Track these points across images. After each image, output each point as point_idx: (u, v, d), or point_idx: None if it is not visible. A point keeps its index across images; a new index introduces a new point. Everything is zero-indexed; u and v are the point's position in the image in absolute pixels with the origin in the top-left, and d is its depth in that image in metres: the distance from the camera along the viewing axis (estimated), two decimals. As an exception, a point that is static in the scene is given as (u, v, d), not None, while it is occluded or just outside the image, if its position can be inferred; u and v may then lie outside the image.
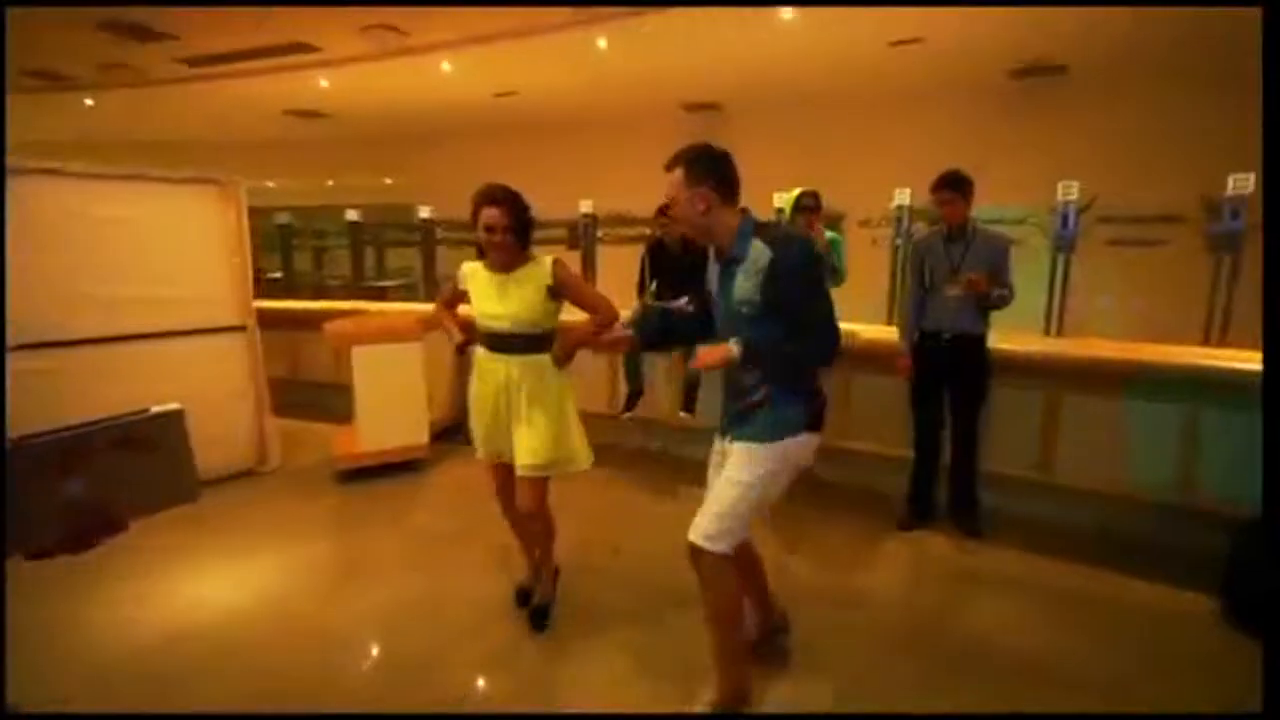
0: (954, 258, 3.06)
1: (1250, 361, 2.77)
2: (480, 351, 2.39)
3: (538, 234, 2.38)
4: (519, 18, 4.93)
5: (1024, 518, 3.29)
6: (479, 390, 2.40)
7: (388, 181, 10.88)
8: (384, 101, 7.49)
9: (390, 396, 4.09)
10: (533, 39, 5.40)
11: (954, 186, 3.02)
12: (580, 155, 9.02)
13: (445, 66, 6.04)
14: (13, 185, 3.39)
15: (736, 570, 1.95)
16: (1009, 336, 3.31)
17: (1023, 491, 3.35)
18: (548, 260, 2.34)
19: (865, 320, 3.98)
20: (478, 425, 2.44)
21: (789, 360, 1.79)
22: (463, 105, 7.57)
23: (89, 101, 7.50)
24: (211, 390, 3.98)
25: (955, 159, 3.28)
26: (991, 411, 3.21)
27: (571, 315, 2.38)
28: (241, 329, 4.18)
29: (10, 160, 3.32)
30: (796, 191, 3.56)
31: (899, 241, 5.15)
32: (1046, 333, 4.28)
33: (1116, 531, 3.13)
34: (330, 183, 11.42)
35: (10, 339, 3.31)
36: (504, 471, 2.45)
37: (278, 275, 8.49)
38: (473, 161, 9.98)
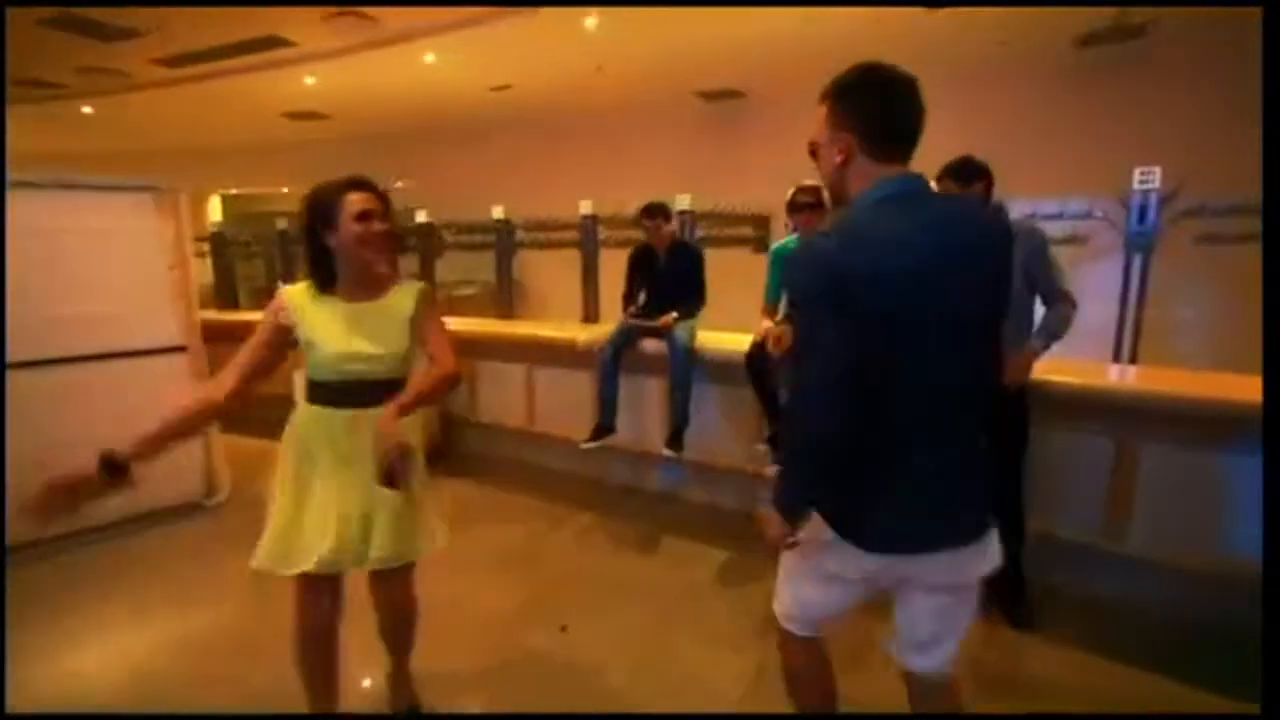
0: None
1: None
2: (310, 411, 1.73)
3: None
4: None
5: (1086, 599, 2.57)
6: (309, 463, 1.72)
7: (399, 185, 10.59)
8: (377, 99, 7.12)
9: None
10: (518, 19, 4.87)
11: (958, 176, 2.39)
12: (584, 152, 8.48)
13: (429, 58, 5.57)
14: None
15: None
16: (1063, 365, 2.58)
17: (1087, 564, 2.62)
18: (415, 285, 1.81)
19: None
20: (297, 518, 1.70)
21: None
22: (457, 101, 7.13)
23: (87, 109, 7.35)
24: (150, 417, 3.60)
25: (1011, 144, 2.61)
26: (1044, 462, 2.51)
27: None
28: (183, 349, 3.79)
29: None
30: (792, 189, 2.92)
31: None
32: (1116, 356, 3.48)
33: (1205, 621, 2.38)
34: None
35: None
36: (335, 583, 1.76)
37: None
38: (471, 162, 9.62)
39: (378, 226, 1.68)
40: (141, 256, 3.64)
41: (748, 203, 6.20)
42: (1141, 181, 3.58)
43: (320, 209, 1.68)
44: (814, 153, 1.33)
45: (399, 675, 2.01)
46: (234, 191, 11.90)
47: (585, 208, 5.18)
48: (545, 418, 4.35)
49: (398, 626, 1.93)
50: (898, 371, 1.19)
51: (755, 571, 2.83)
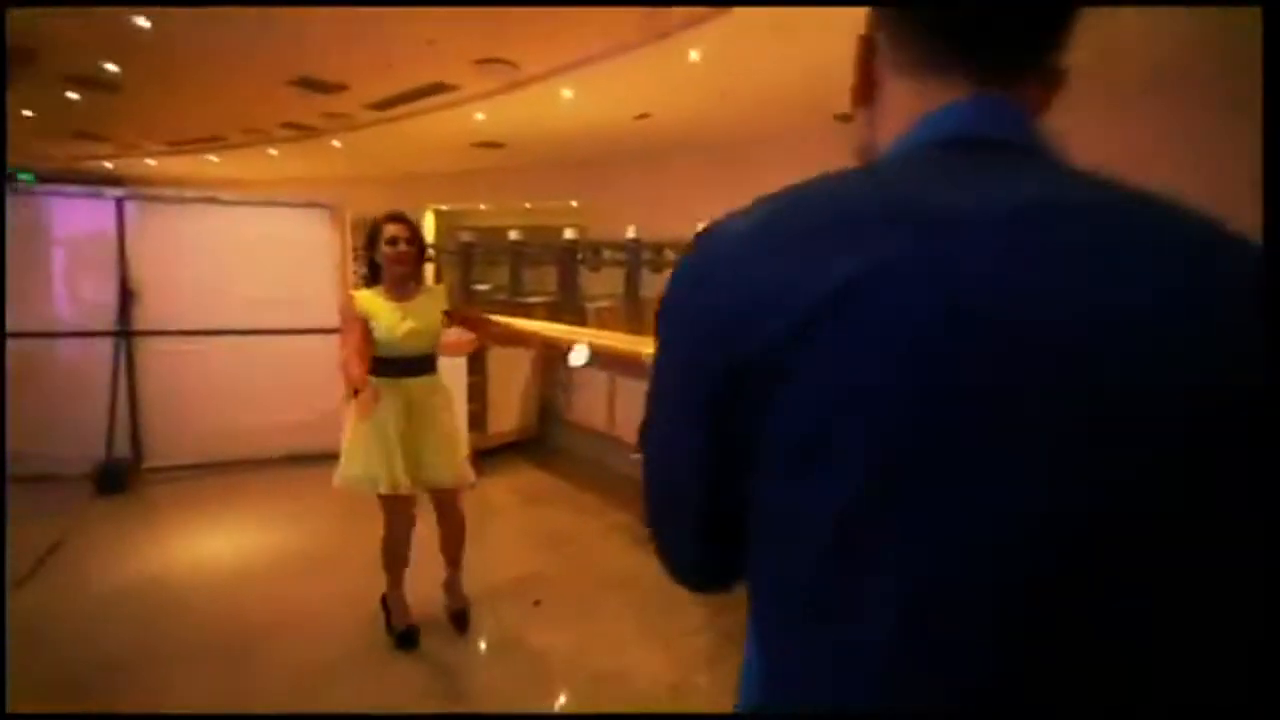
0: None
1: None
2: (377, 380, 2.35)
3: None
4: (622, 34, 4.97)
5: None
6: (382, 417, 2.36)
7: (574, 204, 11.79)
8: (538, 129, 8.15)
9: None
10: (642, 54, 5.40)
11: None
12: (719, 173, 8.78)
13: (566, 94, 6.35)
14: (183, 210, 4.47)
15: None
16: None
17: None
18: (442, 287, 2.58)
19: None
20: (378, 454, 2.34)
21: None
22: (606, 128, 7.88)
23: (336, 143, 9.41)
24: (311, 381, 4.70)
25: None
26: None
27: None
28: (337, 331, 4.87)
29: (184, 191, 4.37)
30: None
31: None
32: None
33: None
34: (528, 205, 12.79)
35: (169, 325, 4.36)
36: (407, 502, 2.44)
37: (485, 286, 9.82)
38: (621, 183, 10.40)
39: (402, 249, 2.35)
40: (314, 257, 4.78)
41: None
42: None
43: (369, 235, 2.41)
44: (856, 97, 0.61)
45: (452, 581, 2.69)
46: (444, 207, 14.16)
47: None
48: (623, 424, 4.75)
49: (453, 539, 2.63)
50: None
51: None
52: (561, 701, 2.28)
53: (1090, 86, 6.46)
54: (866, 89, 0.55)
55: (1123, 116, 6.21)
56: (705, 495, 0.49)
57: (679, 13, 4.23)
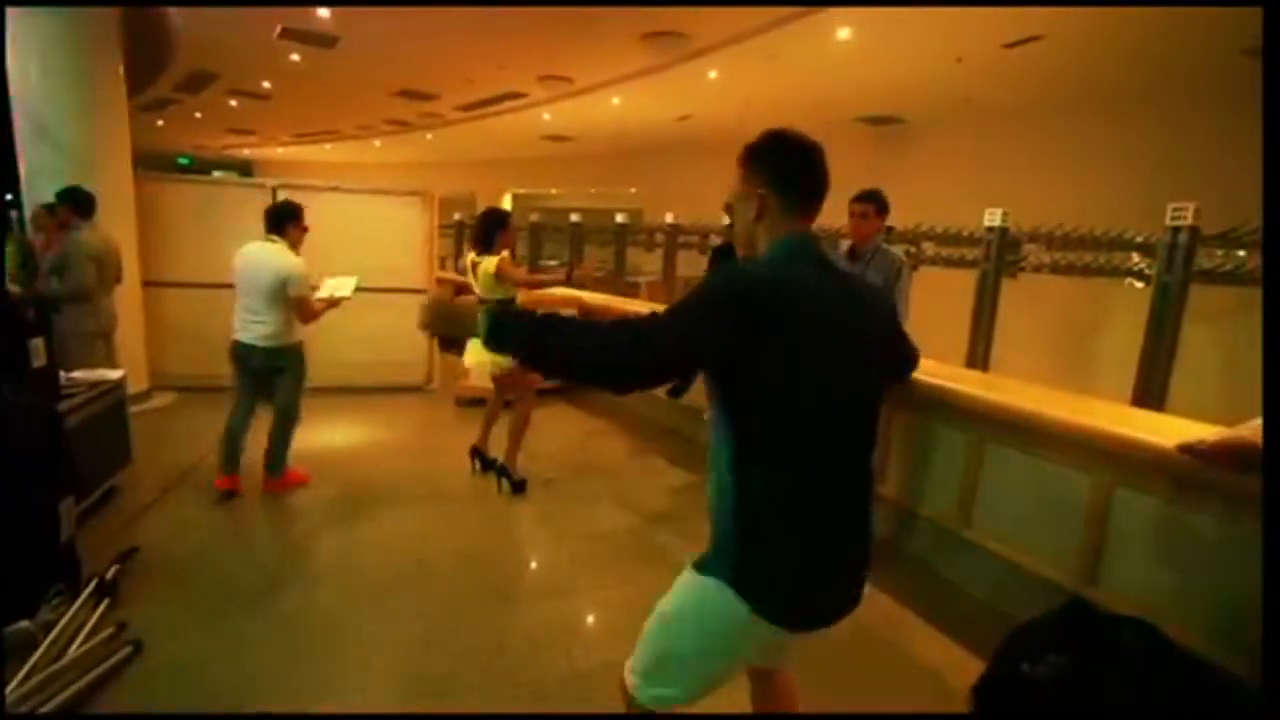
0: (856, 274, 3.15)
1: None
2: None
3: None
4: (649, 59, 6.05)
5: (930, 571, 3.32)
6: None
7: (632, 190, 12.93)
8: (597, 128, 9.31)
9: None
10: (670, 74, 6.45)
11: (873, 200, 3.00)
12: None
13: (615, 101, 7.48)
14: (313, 196, 5.93)
15: None
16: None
17: (940, 542, 3.29)
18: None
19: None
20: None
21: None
22: (653, 127, 8.93)
23: (429, 136, 10.95)
24: (403, 330, 6.10)
25: (1175, 176, 2.89)
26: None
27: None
28: (425, 291, 6.26)
29: (311, 180, 5.83)
30: None
31: (985, 268, 4.88)
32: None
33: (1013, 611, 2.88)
34: (593, 190, 14.04)
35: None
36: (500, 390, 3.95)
37: (553, 262, 11.15)
38: (671, 173, 11.36)
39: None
40: (409, 234, 6.15)
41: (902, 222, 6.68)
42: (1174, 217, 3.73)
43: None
44: (729, 209, 1.39)
45: (511, 456, 3.85)
46: (521, 191, 15.65)
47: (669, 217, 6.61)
48: None
49: (519, 424, 3.83)
50: (804, 419, 1.20)
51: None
52: (570, 551, 3.49)
53: (1105, 96, 6.95)
54: (758, 216, 1.31)
55: (1132, 122, 6.67)
56: (706, 346, 1.17)
57: (693, 45, 5.27)
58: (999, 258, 4.82)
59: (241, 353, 3.53)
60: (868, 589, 1.38)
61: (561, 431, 5.13)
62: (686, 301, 1.20)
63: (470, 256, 3.84)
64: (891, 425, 3.26)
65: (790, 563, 1.22)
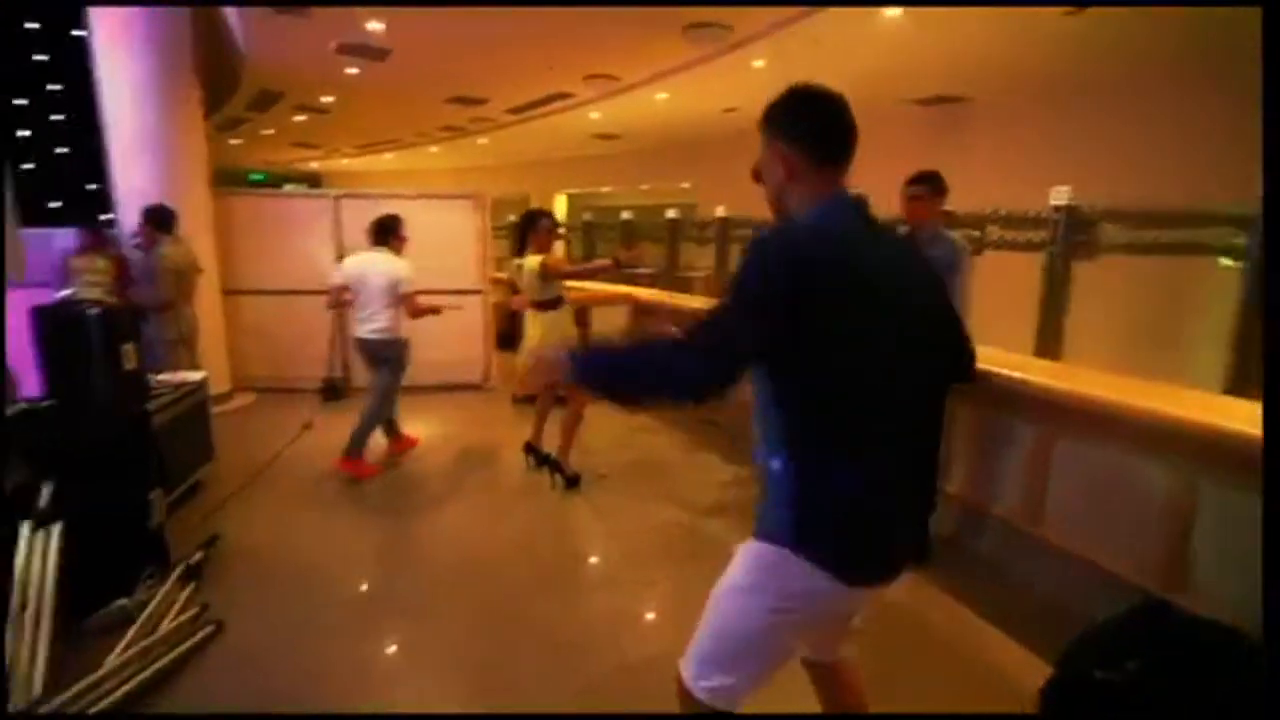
0: None
1: None
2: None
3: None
4: (692, 52, 6.02)
5: (993, 567, 3.19)
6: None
7: (685, 185, 12.87)
8: (645, 123, 9.31)
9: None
10: (714, 65, 6.39)
11: (927, 182, 2.86)
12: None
13: (661, 96, 7.45)
14: (376, 203, 6.15)
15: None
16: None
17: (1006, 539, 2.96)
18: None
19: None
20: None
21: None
22: (701, 121, 8.87)
23: (482, 141, 11.22)
24: (461, 330, 6.27)
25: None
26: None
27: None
28: (479, 291, 6.42)
29: (371, 189, 6.07)
30: None
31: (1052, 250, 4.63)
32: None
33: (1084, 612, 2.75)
34: (645, 187, 14.05)
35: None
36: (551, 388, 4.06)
37: (605, 261, 11.25)
38: (722, 167, 11.17)
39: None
40: (463, 236, 6.31)
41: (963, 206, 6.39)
42: None
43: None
44: (757, 177, 1.33)
45: (564, 452, 3.91)
46: (574, 190, 15.82)
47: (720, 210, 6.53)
48: None
49: (571, 421, 3.88)
50: (867, 370, 1.16)
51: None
52: (622, 544, 3.53)
53: (1109, 80, 6.45)
54: (790, 177, 1.25)
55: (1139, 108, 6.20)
56: (774, 326, 1.09)
57: (736, 36, 5.20)
58: (1067, 239, 4.56)
59: (360, 347, 4.13)
60: (930, 589, 1.33)
61: (610, 427, 5.17)
62: (738, 291, 1.14)
63: (514, 261, 3.93)
64: (956, 419, 3.14)
65: (849, 513, 1.19)
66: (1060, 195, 4.61)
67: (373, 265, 3.99)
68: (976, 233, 5.62)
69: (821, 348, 1.13)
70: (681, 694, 1.32)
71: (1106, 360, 3.58)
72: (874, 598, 1.32)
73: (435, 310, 4.15)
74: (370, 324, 3.99)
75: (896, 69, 6.61)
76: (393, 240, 4.08)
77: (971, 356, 1.53)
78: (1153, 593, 2.19)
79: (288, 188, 13.38)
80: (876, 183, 2.88)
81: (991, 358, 2.90)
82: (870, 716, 1.60)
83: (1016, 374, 2.64)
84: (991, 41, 5.76)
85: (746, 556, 1.29)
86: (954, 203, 5.55)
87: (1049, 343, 4.42)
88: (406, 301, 3.97)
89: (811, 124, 1.26)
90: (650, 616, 2.68)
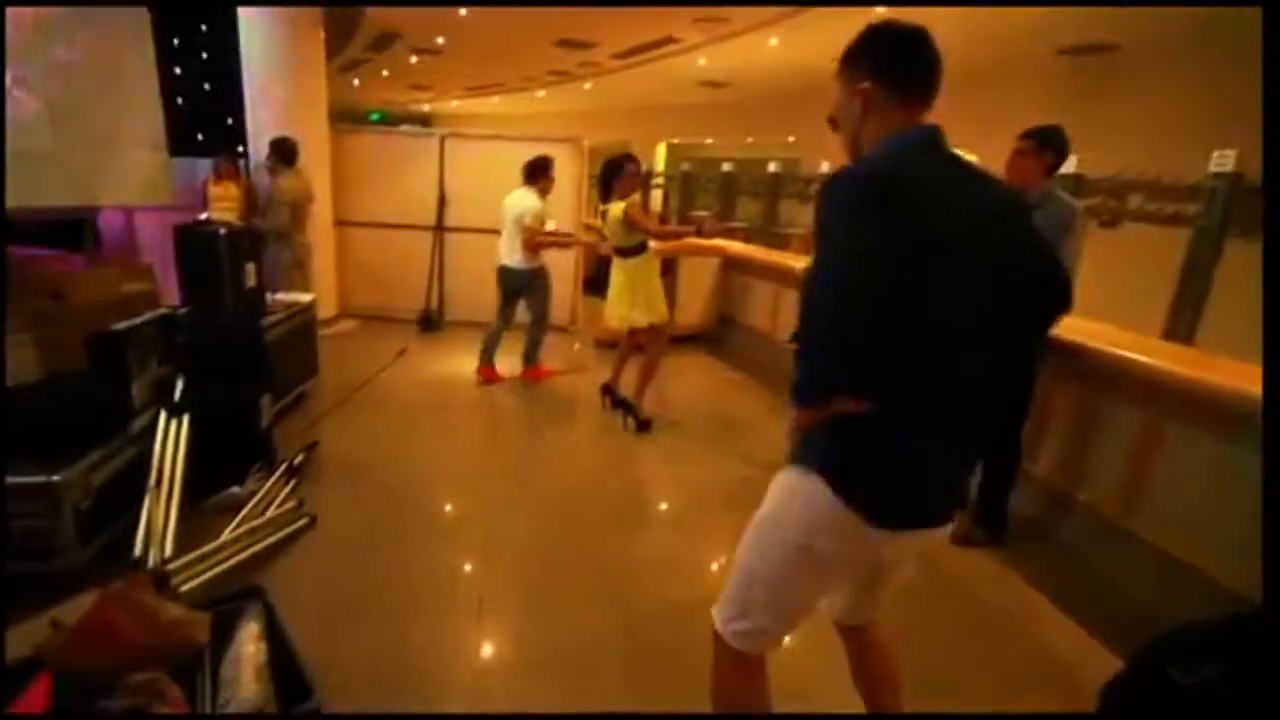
0: None
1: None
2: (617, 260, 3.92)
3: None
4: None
5: (1069, 553, 3.00)
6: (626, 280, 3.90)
7: (790, 139, 12.32)
8: (754, 72, 8.93)
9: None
10: (831, 10, 5.99)
11: (1034, 137, 2.58)
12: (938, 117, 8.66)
13: (773, 41, 7.09)
14: (479, 144, 6.34)
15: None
16: (1107, 334, 2.87)
17: (1092, 528, 2.75)
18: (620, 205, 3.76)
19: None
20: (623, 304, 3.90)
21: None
22: (811, 71, 8.39)
23: (587, 86, 11.19)
24: (552, 272, 6.41)
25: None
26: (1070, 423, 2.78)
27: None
28: (572, 235, 6.50)
29: (476, 130, 6.22)
30: None
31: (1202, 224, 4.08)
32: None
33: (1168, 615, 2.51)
34: (750, 139, 13.55)
35: (466, 224, 6.32)
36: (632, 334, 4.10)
37: (704, 213, 11.12)
38: (822, 125, 10.48)
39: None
40: (560, 179, 6.36)
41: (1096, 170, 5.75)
42: None
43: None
44: (833, 123, 1.31)
45: (639, 395, 4.01)
46: (676, 140, 15.53)
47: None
48: (783, 329, 5.69)
49: (649, 368, 3.98)
50: (938, 304, 1.11)
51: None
52: (682, 490, 3.58)
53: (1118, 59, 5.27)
54: (863, 114, 1.22)
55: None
56: (871, 275, 1.05)
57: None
58: (1225, 212, 3.99)
59: (500, 273, 4.66)
60: (998, 567, 1.25)
61: (700, 380, 5.19)
62: (830, 239, 1.11)
63: (600, 206, 3.94)
64: (1051, 397, 2.91)
65: (885, 445, 1.14)
66: (1224, 161, 4.03)
67: (515, 201, 4.51)
68: (1114, 201, 5.05)
69: (886, 280, 1.07)
70: (715, 638, 1.34)
71: (1256, 353, 3.15)
72: (913, 550, 1.28)
73: (558, 244, 4.73)
74: (510, 255, 4.54)
75: (1036, 14, 5.92)
76: (542, 179, 4.53)
77: (1066, 287, 1.38)
78: (1253, 599, 1.98)
79: (403, 128, 14.03)
80: (1010, 142, 2.64)
81: (1093, 332, 2.66)
82: (911, 716, 1.55)
83: (1123, 352, 2.40)
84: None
85: (775, 486, 1.29)
86: (1095, 166, 5.02)
87: (1180, 326, 3.96)
88: (525, 232, 4.38)
89: (889, 53, 1.22)
90: (698, 560, 2.73)
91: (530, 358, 4.81)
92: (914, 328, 1.11)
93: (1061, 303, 1.39)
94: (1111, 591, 2.50)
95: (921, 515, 1.22)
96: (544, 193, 4.53)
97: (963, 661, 2.16)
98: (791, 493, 1.23)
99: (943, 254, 1.10)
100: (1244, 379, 2.14)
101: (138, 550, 2.19)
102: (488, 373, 4.72)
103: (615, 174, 3.83)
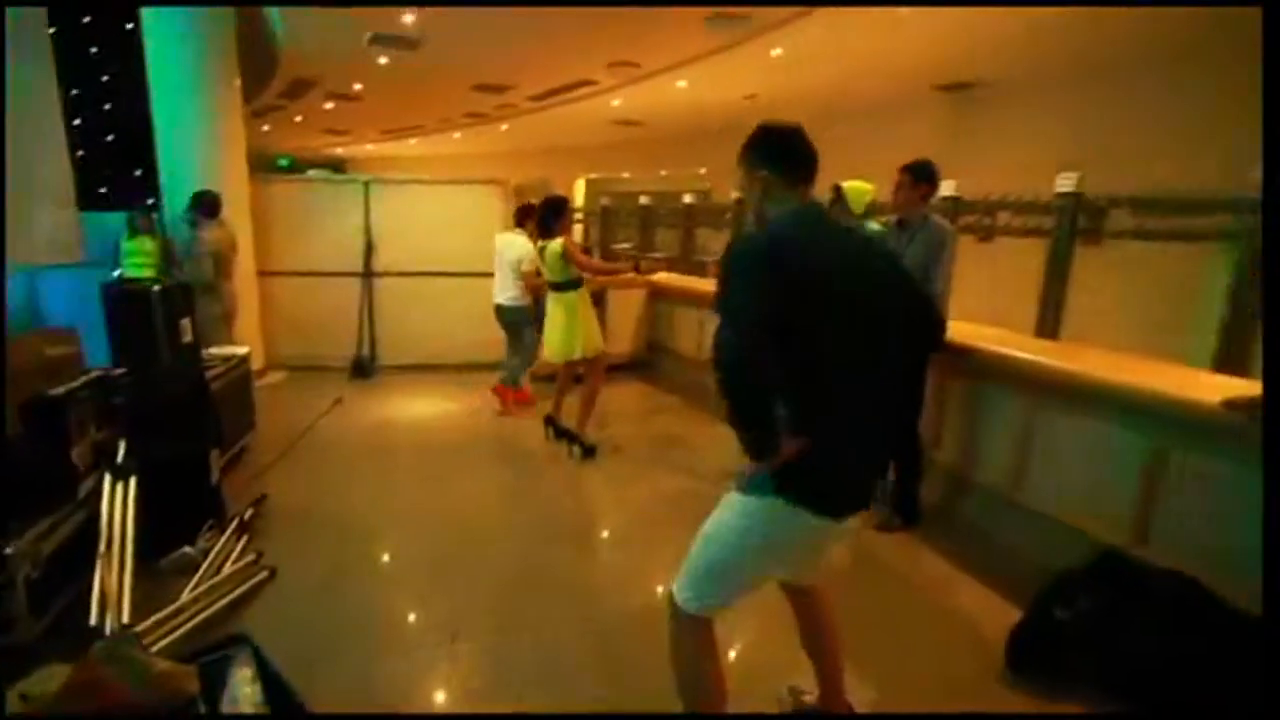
0: (900, 246, 3.05)
1: None
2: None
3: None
4: (712, 41, 6.16)
5: (979, 531, 3.38)
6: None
7: (702, 171, 12.97)
8: (666, 111, 9.45)
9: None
10: (733, 53, 6.52)
11: (911, 171, 3.02)
12: (824, 149, 9.44)
13: (681, 84, 7.59)
14: (402, 188, 6.42)
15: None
16: (984, 333, 3.35)
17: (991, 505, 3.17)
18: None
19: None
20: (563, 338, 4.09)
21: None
22: (720, 108, 8.99)
23: (504, 127, 11.43)
24: (482, 312, 6.49)
25: None
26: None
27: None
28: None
29: (395, 175, 6.32)
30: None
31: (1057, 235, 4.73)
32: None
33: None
34: (664, 173, 14.15)
35: (393, 268, 6.35)
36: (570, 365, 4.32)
37: (626, 245, 11.41)
38: (733, 157, 11.26)
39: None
40: (485, 220, 6.51)
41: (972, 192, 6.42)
42: None
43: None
44: (739, 203, 2.12)
45: (581, 424, 4.16)
46: (593, 175, 15.96)
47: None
48: (707, 351, 6.00)
49: (588, 396, 4.14)
50: (829, 342, 1.40)
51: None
52: (632, 508, 3.77)
53: (1101, 70, 6.41)
54: (763, 195, 1.54)
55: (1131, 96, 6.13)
56: (769, 314, 1.33)
57: (756, 23, 5.34)
58: (1073, 224, 4.65)
59: (496, 311, 5.03)
60: (918, 547, 1.55)
61: (634, 405, 5.42)
62: (731, 281, 1.43)
63: (539, 244, 4.16)
64: (946, 392, 3.32)
65: (825, 461, 1.43)
66: (1066, 181, 4.70)
67: (507, 245, 4.91)
68: (988, 219, 5.72)
69: (792, 326, 1.37)
70: (674, 614, 1.62)
71: (1111, 343, 3.71)
72: (841, 532, 1.61)
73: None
74: (504, 293, 4.94)
75: (915, 54, 6.68)
76: (527, 223, 4.83)
77: (936, 326, 1.76)
78: (1125, 549, 2.38)
79: (311, 173, 13.76)
80: (893, 172, 3.07)
81: (980, 334, 3.10)
82: (908, 716, 1.95)
83: (1000, 349, 2.82)
84: (1004, 26, 5.80)
85: (735, 507, 1.55)
86: (972, 189, 5.66)
87: (1048, 324, 4.56)
88: (525, 278, 4.76)
89: (777, 147, 1.57)
90: (652, 569, 2.90)
91: (513, 379, 5.12)
92: (813, 361, 1.40)
93: (933, 341, 1.83)
94: (1010, 556, 2.89)
95: (859, 504, 1.58)
96: (531, 236, 4.72)
97: (892, 626, 2.47)
98: (753, 513, 1.50)
99: (827, 300, 1.41)
100: (1107, 366, 2.59)
101: (93, 619, 2.16)
102: (520, 395, 5.09)
103: (555, 214, 4.05)
